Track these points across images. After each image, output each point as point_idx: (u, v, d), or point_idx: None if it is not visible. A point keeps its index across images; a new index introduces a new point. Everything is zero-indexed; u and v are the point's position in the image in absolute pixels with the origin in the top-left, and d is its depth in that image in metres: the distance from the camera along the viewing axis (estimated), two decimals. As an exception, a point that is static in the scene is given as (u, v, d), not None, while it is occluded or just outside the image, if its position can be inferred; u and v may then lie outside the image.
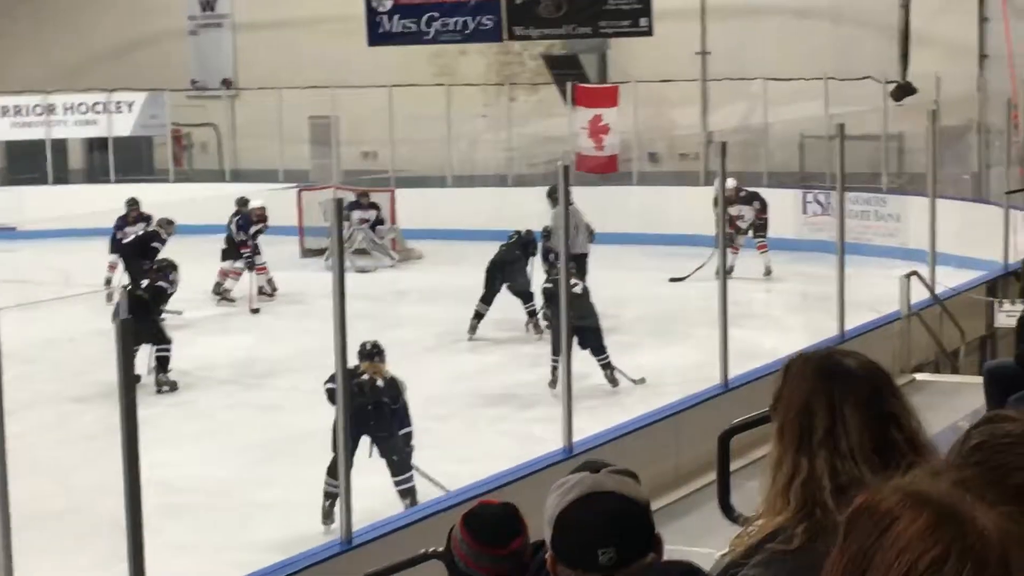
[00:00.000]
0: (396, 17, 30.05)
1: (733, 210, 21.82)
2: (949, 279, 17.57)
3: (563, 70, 30.00)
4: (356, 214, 25.49)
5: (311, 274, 22.86)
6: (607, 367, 16.22)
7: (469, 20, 29.59)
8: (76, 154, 34.60)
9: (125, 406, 7.28)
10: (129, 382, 7.44)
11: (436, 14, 29.81)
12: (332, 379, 10.92)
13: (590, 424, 12.24)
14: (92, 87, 32.72)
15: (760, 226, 23.30)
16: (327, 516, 11.85)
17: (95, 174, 33.80)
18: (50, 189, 31.51)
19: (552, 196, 20.18)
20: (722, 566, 3.20)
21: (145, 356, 16.63)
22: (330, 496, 11.70)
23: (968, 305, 16.96)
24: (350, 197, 25.81)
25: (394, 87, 30.00)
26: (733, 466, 5.41)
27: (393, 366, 12.76)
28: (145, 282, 18.37)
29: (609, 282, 19.70)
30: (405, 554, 6.43)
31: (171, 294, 18.57)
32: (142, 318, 16.13)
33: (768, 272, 23.11)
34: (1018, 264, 17.98)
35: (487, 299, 19.29)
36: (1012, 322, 12.81)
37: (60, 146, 33.29)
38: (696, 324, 18.05)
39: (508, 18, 29.22)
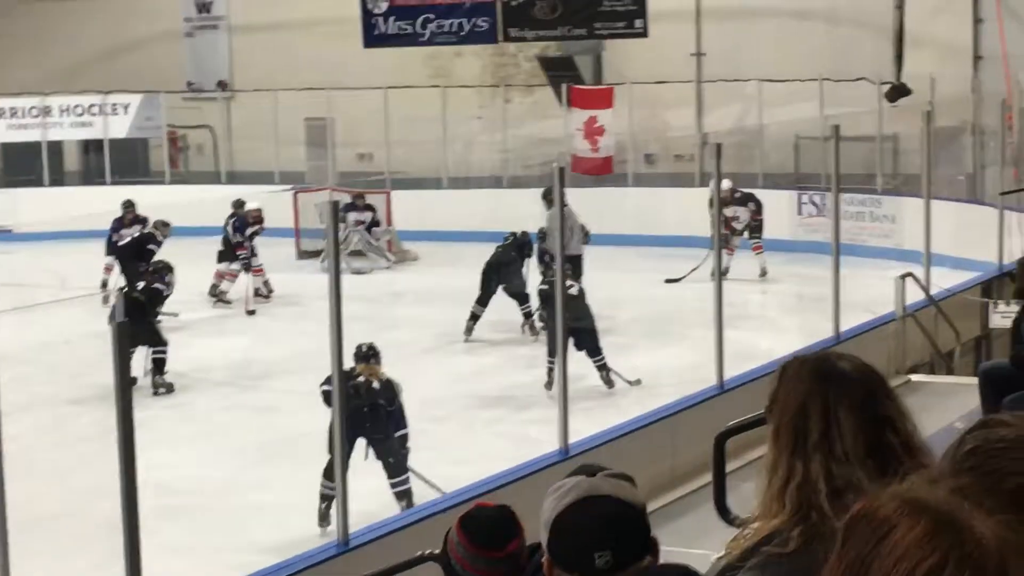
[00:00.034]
0: (391, 19, 30.06)
1: (728, 211, 21.85)
2: (944, 280, 17.59)
3: (558, 72, 30.00)
4: (352, 216, 25.48)
5: (307, 276, 22.85)
6: (603, 368, 16.22)
7: (464, 22, 29.60)
8: (72, 156, 34.58)
9: (121, 408, 7.29)
10: (125, 385, 7.45)
11: (431, 16, 29.82)
12: (328, 381, 10.91)
13: (586, 425, 12.24)
14: (88, 89, 32.72)
15: (755, 227, 23.31)
16: (323, 518, 11.85)
17: (91, 176, 33.80)
18: (46, 191, 31.49)
19: (547, 198, 20.19)
20: (718, 569, 3.21)
21: (141, 358, 16.63)
22: (326, 498, 11.71)
23: (963, 306, 16.98)
24: (346, 199, 25.83)
25: (390, 89, 30.01)
26: (729, 467, 5.43)
27: (389, 368, 12.76)
28: (141, 284, 18.36)
29: (605, 283, 19.72)
30: (401, 556, 6.43)
31: (167, 296, 18.57)
32: (138, 320, 16.13)
33: (763, 273, 23.12)
34: (1013, 265, 17.99)
35: (483, 301, 19.29)
36: (1007, 323, 12.81)
37: (56, 148, 33.28)
38: (692, 325, 18.07)
39: (503, 20, 29.24)
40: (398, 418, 12.32)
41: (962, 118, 25.45)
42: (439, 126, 30.06)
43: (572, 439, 11.17)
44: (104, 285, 22.36)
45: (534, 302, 18.67)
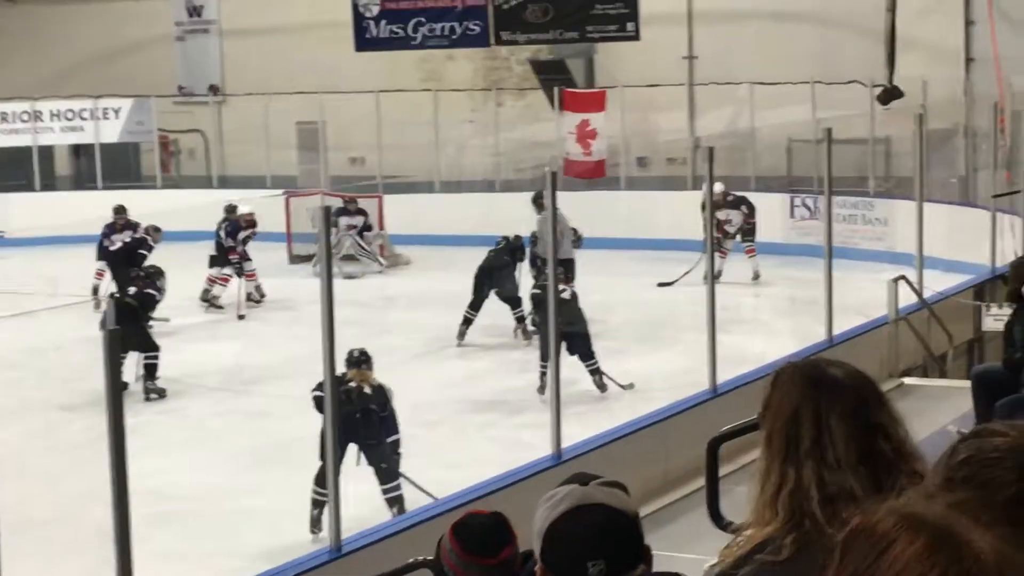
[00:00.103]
0: (383, 23, 30.07)
1: (721, 214, 21.84)
2: (937, 283, 17.59)
3: (550, 75, 30.01)
4: (343, 220, 25.46)
5: (299, 280, 22.85)
6: (595, 373, 16.22)
7: (456, 25, 29.61)
8: (63, 161, 34.55)
9: (112, 417, 7.26)
10: (117, 393, 7.42)
11: (423, 19, 29.83)
12: (319, 387, 10.90)
13: (579, 430, 12.22)
14: (79, 94, 32.68)
15: (748, 230, 23.32)
16: (315, 524, 11.83)
17: (82, 181, 33.77)
18: (37, 196, 31.44)
19: (536, 202, 20.25)
20: (711, 577, 3.20)
21: (133, 363, 16.61)
22: (318, 504, 11.69)
23: (956, 309, 16.98)
24: (338, 203, 25.81)
25: (381, 92, 30.00)
26: (722, 471, 5.41)
27: (382, 372, 12.74)
28: (133, 289, 18.34)
29: (597, 287, 19.72)
30: (394, 563, 6.40)
31: (159, 301, 18.54)
32: (130, 325, 16.12)
33: (756, 276, 23.13)
34: (1006, 268, 18.00)
35: (475, 305, 19.28)
36: (1000, 326, 12.82)
37: (47, 153, 33.23)
38: (684, 329, 18.06)
39: (495, 23, 29.25)
40: (390, 424, 12.30)
41: (954, 121, 25.47)
42: (431, 130, 30.04)
43: (565, 444, 11.15)
44: (95, 290, 22.33)
45: (526, 306, 18.67)
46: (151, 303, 18.26)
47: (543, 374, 15.32)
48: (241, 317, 21.78)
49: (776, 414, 3.16)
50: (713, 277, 13.74)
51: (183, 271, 20.60)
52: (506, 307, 19.37)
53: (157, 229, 21.82)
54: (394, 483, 12.18)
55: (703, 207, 18.16)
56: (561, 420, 11.12)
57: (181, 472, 13.92)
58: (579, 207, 20.72)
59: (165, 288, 18.57)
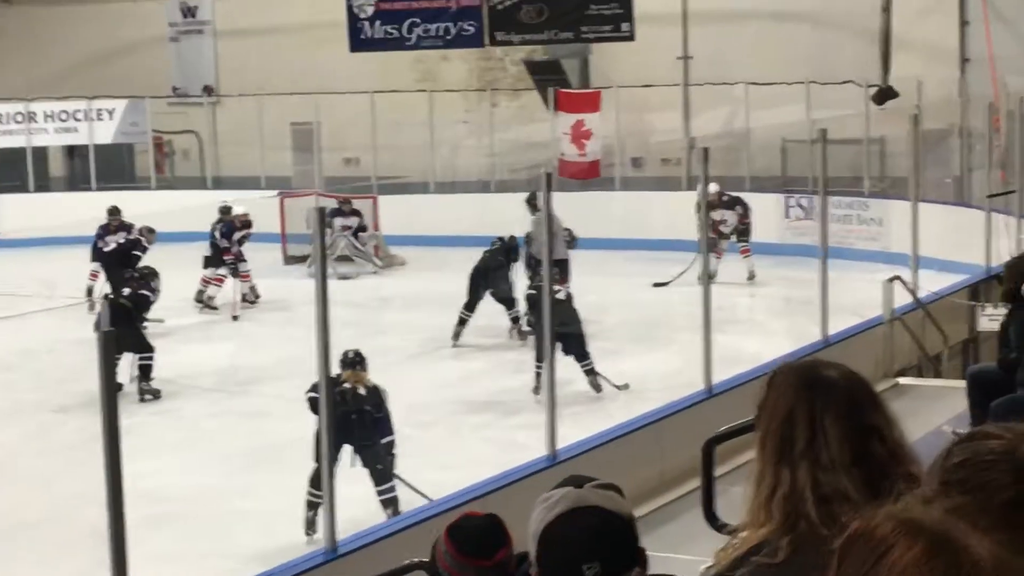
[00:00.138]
0: (378, 23, 30.07)
1: (716, 215, 21.86)
2: (932, 283, 17.60)
3: (545, 75, 30.01)
4: (338, 221, 25.46)
5: (294, 281, 22.84)
6: (591, 373, 16.21)
7: (451, 26, 29.61)
8: (57, 162, 34.52)
9: (107, 419, 7.25)
10: (111, 395, 7.40)
11: (418, 20, 29.83)
12: (314, 388, 10.89)
13: (574, 431, 12.21)
14: (73, 94, 32.65)
15: (743, 231, 23.32)
16: (310, 526, 11.82)
17: (76, 182, 33.74)
18: (31, 197, 31.41)
19: (530, 203, 20.27)
20: (707, 579, 3.19)
21: (127, 364, 16.59)
22: (312, 506, 11.67)
23: (951, 309, 16.98)
24: (332, 204, 25.80)
25: (376, 93, 30.01)
26: (717, 471, 5.40)
27: (376, 373, 12.72)
28: (127, 290, 18.32)
29: (592, 288, 19.73)
30: (389, 564, 6.40)
31: (153, 302, 18.52)
32: (124, 326, 16.09)
33: (751, 277, 23.13)
34: (1001, 267, 18.00)
35: (470, 305, 19.28)
36: (995, 326, 12.81)
37: (41, 154, 33.23)
38: (679, 329, 18.07)
39: (490, 24, 29.25)
40: (384, 425, 12.28)
41: (949, 121, 25.47)
42: (426, 130, 30.05)
43: (560, 444, 11.15)
44: (90, 291, 22.31)
45: (521, 307, 18.67)
46: (145, 304, 18.25)
47: (538, 375, 15.31)
48: (236, 318, 21.78)
49: (771, 415, 3.15)
50: (708, 277, 13.74)
51: (177, 272, 20.57)
52: (501, 308, 19.37)
53: (151, 230, 21.79)
54: (388, 484, 12.16)
55: (698, 207, 18.14)
56: (556, 421, 11.12)
57: (175, 473, 13.90)
58: (574, 208, 20.70)
59: (159, 289, 18.55)
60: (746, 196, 24.10)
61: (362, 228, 26.15)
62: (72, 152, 34.12)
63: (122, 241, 21.94)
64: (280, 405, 15.11)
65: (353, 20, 30.15)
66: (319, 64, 30.97)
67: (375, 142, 30.21)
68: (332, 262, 22.84)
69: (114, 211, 22.94)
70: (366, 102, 29.86)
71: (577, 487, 2.99)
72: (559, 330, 13.69)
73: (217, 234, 22.77)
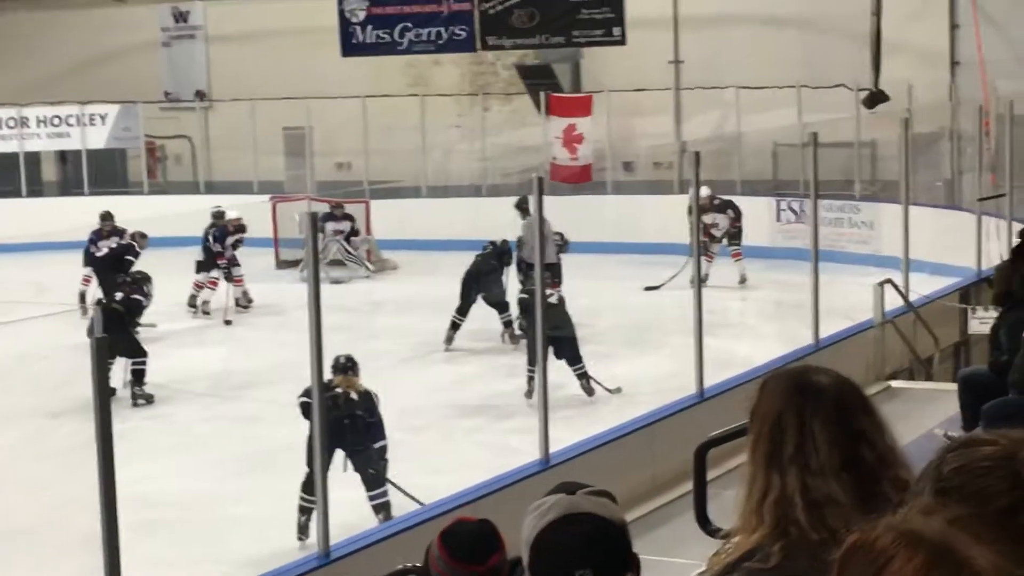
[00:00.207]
0: (369, 28, 30.07)
1: (707, 218, 21.85)
2: (923, 286, 17.62)
3: (536, 80, 30.04)
4: (330, 225, 25.45)
5: (286, 285, 22.83)
6: (583, 377, 16.21)
7: (442, 30, 29.63)
8: (49, 167, 34.49)
9: (100, 426, 7.26)
10: (104, 401, 7.41)
11: (409, 24, 29.84)
12: (306, 393, 10.90)
13: (566, 434, 12.23)
14: (65, 99, 32.63)
15: (734, 234, 23.34)
16: (302, 531, 11.81)
17: (69, 187, 33.72)
18: (23, 202, 31.38)
19: (520, 207, 20.29)
20: (699, 584, 3.22)
21: (120, 369, 16.59)
22: (305, 511, 11.67)
23: (942, 312, 17.01)
24: (324, 208, 25.81)
25: (368, 98, 30.01)
26: (709, 475, 5.42)
27: (369, 377, 12.72)
28: (119, 295, 18.31)
29: (584, 291, 19.73)
30: (382, 569, 6.41)
31: (146, 307, 18.51)
32: (117, 331, 16.10)
33: (743, 280, 23.15)
34: (992, 271, 18.05)
35: (463, 309, 19.28)
36: (986, 329, 12.85)
37: (33, 159, 33.18)
38: (671, 333, 18.07)
39: (481, 28, 29.26)
40: (376, 430, 12.28)
41: (940, 124, 25.51)
42: (418, 135, 30.06)
43: (552, 448, 11.16)
44: (82, 296, 22.31)
45: (514, 310, 18.67)
46: (138, 309, 18.24)
47: (530, 378, 15.31)
48: (228, 322, 21.77)
49: (762, 420, 3.18)
50: (700, 281, 13.76)
51: (170, 277, 20.58)
52: (493, 311, 19.38)
53: (143, 235, 21.80)
54: (381, 490, 12.16)
55: (689, 211, 18.13)
56: (549, 425, 11.13)
57: (168, 478, 13.90)
58: (566, 211, 20.73)
59: (152, 293, 18.54)
60: (737, 200, 24.12)
61: (354, 232, 26.14)
62: (64, 157, 34.09)
63: (114, 246, 21.93)
64: (273, 410, 15.11)
65: (345, 25, 30.16)
66: (311, 69, 30.97)
67: (367, 146, 30.20)
68: (324, 266, 22.86)
69: (107, 216, 22.94)
70: (358, 107, 29.87)
71: (569, 494, 3.00)
72: (551, 334, 13.70)
73: (210, 239, 22.75)
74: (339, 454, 11.83)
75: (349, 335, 16.87)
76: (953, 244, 20.59)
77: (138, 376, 17.01)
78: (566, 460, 11.08)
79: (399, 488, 12.26)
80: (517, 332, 18.69)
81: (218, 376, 18.97)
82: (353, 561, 9.15)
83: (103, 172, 32.65)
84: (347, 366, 12.35)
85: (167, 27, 34.47)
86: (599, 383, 16.29)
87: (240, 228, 22.96)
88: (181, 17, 34.36)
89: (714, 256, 22.64)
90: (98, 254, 22.09)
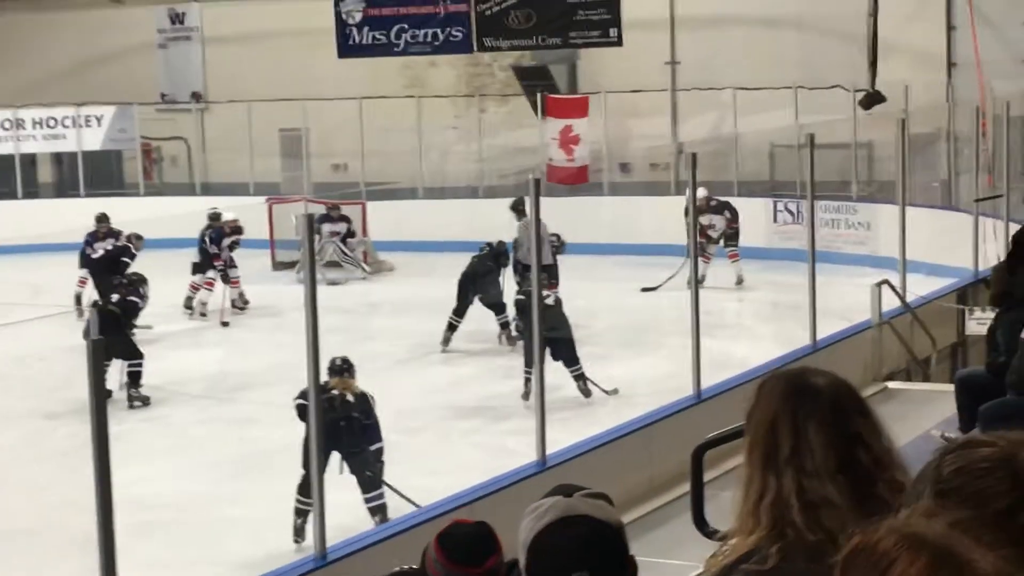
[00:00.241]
0: (366, 29, 30.05)
1: (704, 220, 21.85)
2: (920, 287, 17.62)
3: (533, 81, 30.03)
4: (326, 227, 25.44)
5: (283, 287, 22.82)
6: (580, 378, 16.21)
7: (439, 32, 29.60)
8: (45, 168, 34.47)
9: (96, 428, 7.24)
10: (100, 403, 7.40)
11: (406, 26, 29.81)
12: (302, 395, 10.88)
13: (563, 436, 12.22)
14: (61, 101, 32.61)
15: (731, 235, 23.33)
16: (298, 533, 11.80)
17: (64, 188, 33.70)
18: (19, 204, 31.36)
19: (515, 209, 20.29)
20: (697, 586, 3.21)
21: (116, 371, 16.57)
22: (301, 513, 11.66)
23: (939, 313, 17.01)
24: (321, 210, 25.81)
25: (364, 99, 30.01)
26: (707, 476, 5.41)
27: (365, 379, 12.72)
28: (115, 296, 18.29)
29: (581, 293, 19.74)
30: (379, 571, 6.39)
31: (142, 308, 18.50)
32: (113, 333, 16.09)
33: (739, 281, 23.15)
34: (989, 271, 18.04)
35: (459, 311, 19.27)
36: (983, 330, 12.83)
37: (29, 160, 33.16)
38: (668, 334, 18.08)
39: (478, 29, 29.24)
40: (373, 432, 12.27)
41: (936, 125, 25.52)
42: (414, 136, 30.06)
43: (550, 450, 11.15)
44: (78, 298, 22.30)
45: (510, 312, 18.66)
46: (134, 310, 18.23)
47: (527, 380, 15.32)
48: (225, 324, 21.76)
49: (758, 422, 3.18)
50: (697, 282, 13.76)
51: (166, 278, 20.56)
52: (490, 313, 19.37)
53: (139, 237, 21.79)
54: (377, 492, 12.14)
55: (686, 212, 18.13)
56: (546, 426, 11.12)
57: (165, 480, 13.88)
58: (562, 213, 20.72)
59: (148, 295, 18.54)
60: (734, 201, 24.13)
61: (350, 234, 26.14)
62: (61, 159, 34.06)
63: (110, 248, 21.92)
64: (269, 412, 15.10)
65: (341, 26, 30.14)
66: (307, 70, 30.96)
67: (363, 148, 30.20)
68: (320, 268, 22.83)
69: (102, 218, 22.93)
70: (354, 108, 29.86)
71: (566, 496, 3.00)
72: (548, 335, 13.69)
73: (207, 240, 22.74)
74: (335, 456, 11.81)
75: (345, 336, 16.86)
76: (950, 245, 20.60)
77: (134, 378, 16.99)
78: (563, 462, 11.07)
79: (395, 490, 12.24)
80: (514, 333, 18.67)
81: (214, 378, 18.96)
82: (350, 563, 9.14)
83: (99, 174, 32.63)
84: (343, 368, 12.35)
85: (163, 28, 34.46)
86: (596, 384, 16.29)
87: (236, 230, 22.96)
88: (177, 19, 34.34)
89: (711, 257, 22.65)
90: (94, 256, 22.08)
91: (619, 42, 28.17)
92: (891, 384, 15.31)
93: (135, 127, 32.90)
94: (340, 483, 11.66)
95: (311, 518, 9.72)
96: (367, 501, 12.07)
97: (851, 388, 3.23)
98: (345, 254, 25.86)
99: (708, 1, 28.78)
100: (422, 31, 29.69)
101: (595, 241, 25.14)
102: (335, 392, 12.07)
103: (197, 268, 22.62)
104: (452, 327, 19.23)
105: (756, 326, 20.95)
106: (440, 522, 4.44)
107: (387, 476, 12.32)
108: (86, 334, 15.74)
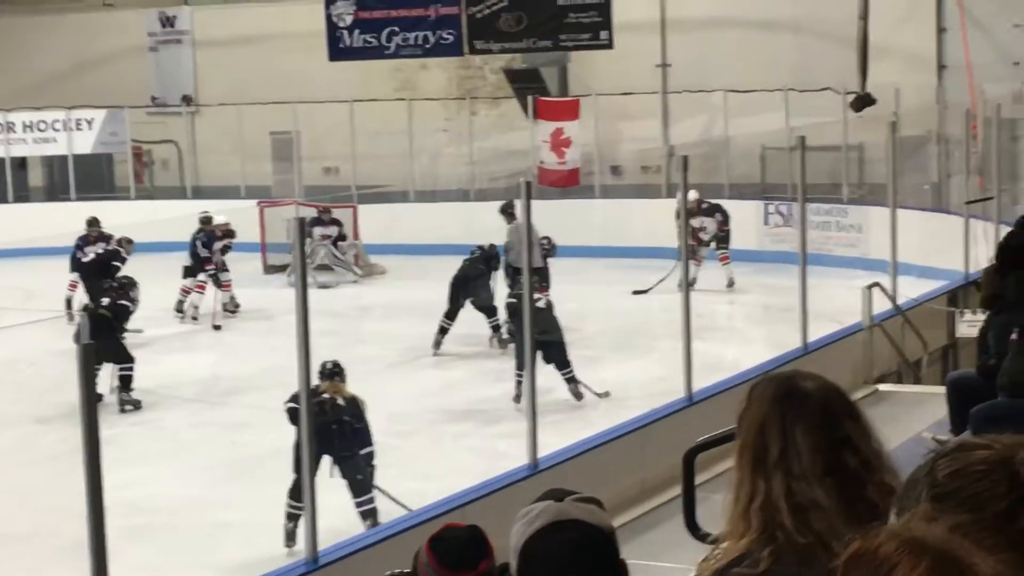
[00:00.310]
0: (357, 32, 30.05)
1: (695, 222, 21.87)
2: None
3: (524, 83, 30.04)
4: (318, 230, 25.44)
5: (274, 291, 22.81)
6: (571, 381, 16.21)
7: (430, 35, 29.60)
8: (36, 172, 34.42)
9: (87, 432, 7.23)
10: (91, 407, 7.38)
11: (397, 29, 29.81)
12: (293, 399, 10.87)
13: (555, 439, 12.21)
14: (51, 105, 32.58)
15: (722, 238, 23.35)
16: (290, 538, 11.78)
17: (55, 192, 33.66)
18: (10, 207, 31.31)
19: (506, 212, 20.30)
20: (688, 591, 3.21)
21: (107, 375, 16.55)
22: (292, 517, 11.65)
23: (930, 315, 17.01)
24: (312, 213, 25.80)
25: (355, 102, 29.99)
26: (698, 479, 5.41)
27: (356, 382, 12.71)
28: (106, 300, 18.28)
29: (572, 296, 19.73)
30: (371, 575, 6.40)
31: (133, 312, 18.49)
32: (104, 336, 16.08)
33: (731, 284, 23.17)
34: (979, 274, 18.04)
35: (451, 314, 19.27)
36: (974, 332, 12.82)
37: (20, 164, 33.10)
38: (659, 337, 18.08)
39: (469, 32, 29.25)
40: (363, 436, 12.26)
41: (927, 127, 25.55)
42: (405, 139, 30.04)
43: (541, 453, 11.13)
44: (69, 302, 22.28)
45: (502, 315, 18.66)
46: (125, 314, 18.20)
47: (519, 383, 15.31)
48: (217, 327, 21.75)
49: (748, 426, 3.19)
50: (688, 285, 13.75)
51: (157, 282, 20.55)
52: (481, 316, 19.38)
53: (129, 241, 21.80)
54: (367, 496, 12.14)
55: (677, 215, 18.17)
56: (537, 429, 11.10)
57: (156, 484, 13.87)
58: (553, 216, 20.74)
59: (138, 299, 18.52)
60: (725, 203, 24.14)
61: (342, 237, 26.14)
62: (51, 162, 34.01)
63: (101, 252, 21.91)
64: (261, 416, 15.09)
65: (332, 29, 30.13)
66: (298, 73, 30.95)
67: (355, 151, 30.18)
68: (311, 271, 22.84)
69: (93, 222, 22.91)
70: (345, 111, 29.86)
71: (557, 500, 3.00)
72: (540, 338, 13.69)
73: (198, 244, 22.73)
74: (326, 460, 11.81)
75: (337, 340, 16.86)
76: (941, 247, 20.60)
77: (125, 382, 16.97)
78: (555, 465, 11.06)
79: (387, 494, 12.24)
80: (505, 336, 18.69)
81: (206, 382, 18.94)
82: (341, 567, 9.13)
83: (90, 177, 32.60)
84: (333, 372, 12.35)
85: (154, 32, 34.45)
86: (588, 387, 16.30)
87: (228, 233, 22.95)
88: (168, 22, 34.33)
89: (702, 260, 22.67)
90: (84, 260, 22.07)
91: (610, 45, 28.19)
92: (882, 386, 15.30)
93: (126, 130, 32.87)
94: (331, 486, 11.66)
95: (302, 522, 9.71)
96: (358, 505, 12.06)
97: (841, 392, 3.24)
98: (336, 257, 25.86)
99: (698, 4, 28.81)
100: (413, 34, 29.69)
101: (586, 244, 25.16)
102: (326, 396, 12.07)
103: (188, 272, 22.62)
104: (443, 330, 19.23)
105: (747, 329, 20.96)
106: (432, 526, 4.44)
107: (379, 480, 12.32)
108: (77, 338, 15.73)
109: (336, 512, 11.42)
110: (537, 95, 29.33)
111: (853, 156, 26.76)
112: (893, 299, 16.61)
